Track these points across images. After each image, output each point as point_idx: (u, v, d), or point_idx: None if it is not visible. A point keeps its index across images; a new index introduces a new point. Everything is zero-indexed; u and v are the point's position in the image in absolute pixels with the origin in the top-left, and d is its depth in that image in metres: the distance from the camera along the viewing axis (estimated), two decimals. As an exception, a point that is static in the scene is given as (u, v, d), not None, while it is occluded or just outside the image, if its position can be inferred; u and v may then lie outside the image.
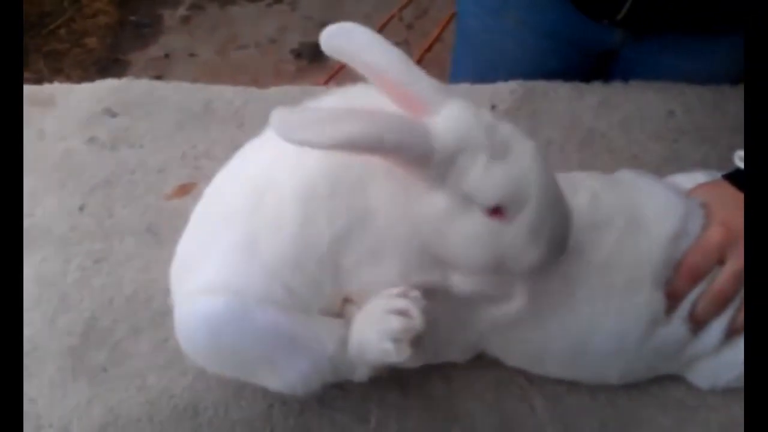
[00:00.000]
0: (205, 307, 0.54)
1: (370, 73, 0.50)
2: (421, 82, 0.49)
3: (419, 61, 2.05)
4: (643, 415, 0.62)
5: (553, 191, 0.50)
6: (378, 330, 0.53)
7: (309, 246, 0.52)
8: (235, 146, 0.83)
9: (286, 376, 0.56)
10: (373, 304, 0.54)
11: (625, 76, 0.88)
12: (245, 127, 0.86)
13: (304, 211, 0.51)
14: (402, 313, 0.52)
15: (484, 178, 0.47)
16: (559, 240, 0.51)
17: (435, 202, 0.49)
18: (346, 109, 0.49)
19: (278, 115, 0.47)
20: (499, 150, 0.48)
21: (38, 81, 0.95)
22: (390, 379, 0.62)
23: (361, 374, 0.58)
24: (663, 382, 0.63)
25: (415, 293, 0.53)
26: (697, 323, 0.58)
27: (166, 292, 0.71)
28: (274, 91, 0.90)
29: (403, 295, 0.53)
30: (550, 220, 0.50)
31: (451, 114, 0.48)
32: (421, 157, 0.47)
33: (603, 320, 0.57)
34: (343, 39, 0.50)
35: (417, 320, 0.52)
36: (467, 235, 0.49)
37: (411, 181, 0.49)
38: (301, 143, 0.46)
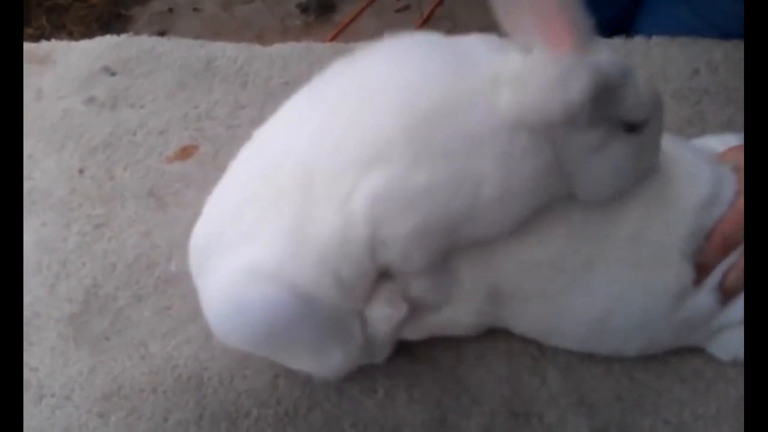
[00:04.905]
0: (262, 295, 0.51)
1: None
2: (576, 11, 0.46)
3: (429, 16, 1.99)
4: (659, 387, 0.60)
5: None
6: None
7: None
8: (238, 106, 0.81)
9: (325, 364, 0.56)
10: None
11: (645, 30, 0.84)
12: (249, 86, 0.83)
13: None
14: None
15: (638, 95, 0.47)
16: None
17: (586, 138, 0.48)
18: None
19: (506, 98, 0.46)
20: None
21: (40, 37, 0.92)
22: (398, 350, 0.60)
23: (381, 356, 0.59)
24: (681, 353, 0.61)
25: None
26: (727, 295, 0.56)
27: (169, 258, 0.70)
28: (278, 48, 0.86)
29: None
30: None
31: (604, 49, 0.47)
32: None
33: (628, 296, 0.55)
34: None
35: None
36: (619, 159, 0.49)
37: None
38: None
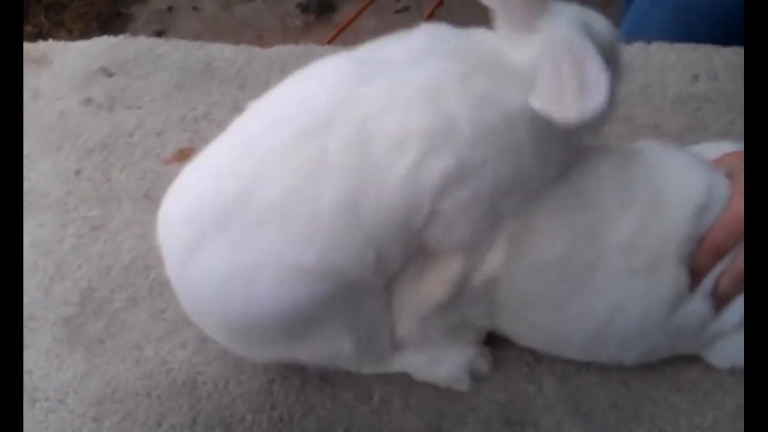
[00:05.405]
0: (301, 291, 0.50)
1: None
2: None
3: (429, 17, 1.99)
4: (655, 396, 0.60)
5: None
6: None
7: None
8: (236, 108, 0.80)
9: (334, 353, 0.56)
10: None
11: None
12: (247, 88, 0.83)
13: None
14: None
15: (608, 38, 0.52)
16: None
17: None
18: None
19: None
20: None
21: (38, 34, 0.92)
22: (394, 356, 0.60)
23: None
24: (678, 362, 0.61)
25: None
26: (720, 301, 0.56)
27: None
28: (277, 50, 0.86)
29: None
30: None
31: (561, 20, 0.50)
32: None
33: (626, 304, 0.55)
34: None
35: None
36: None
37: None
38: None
